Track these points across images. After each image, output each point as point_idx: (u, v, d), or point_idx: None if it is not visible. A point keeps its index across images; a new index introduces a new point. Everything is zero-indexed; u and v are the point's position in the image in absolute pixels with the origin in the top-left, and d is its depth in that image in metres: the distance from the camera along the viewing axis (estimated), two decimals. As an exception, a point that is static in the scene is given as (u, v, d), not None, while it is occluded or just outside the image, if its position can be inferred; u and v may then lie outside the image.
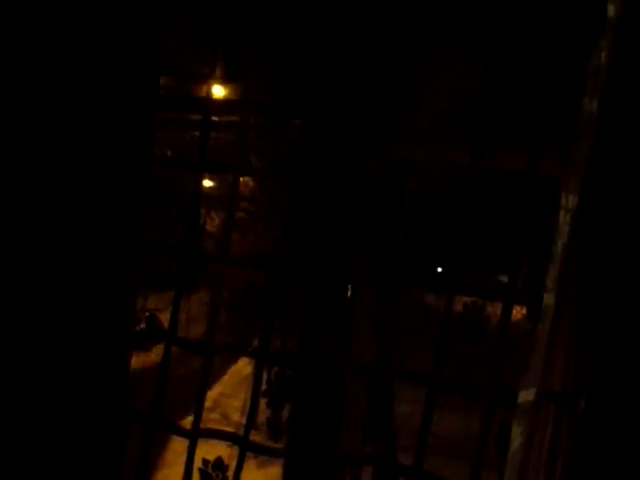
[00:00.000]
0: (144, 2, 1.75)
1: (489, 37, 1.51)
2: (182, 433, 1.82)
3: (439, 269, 1.65)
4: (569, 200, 1.42)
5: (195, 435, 1.78)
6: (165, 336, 1.86)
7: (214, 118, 1.82)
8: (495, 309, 1.60)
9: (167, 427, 1.85)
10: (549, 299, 1.43)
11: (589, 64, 1.40)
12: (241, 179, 1.88)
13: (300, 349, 1.66)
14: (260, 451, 1.75)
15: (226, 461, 1.80)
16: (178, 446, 2.05)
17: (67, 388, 1.73)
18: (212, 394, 5.82)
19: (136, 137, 1.79)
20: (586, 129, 1.42)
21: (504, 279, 1.54)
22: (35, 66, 1.70)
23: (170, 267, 1.93)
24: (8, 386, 1.71)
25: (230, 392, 5.61)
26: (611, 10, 1.39)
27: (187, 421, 1.86)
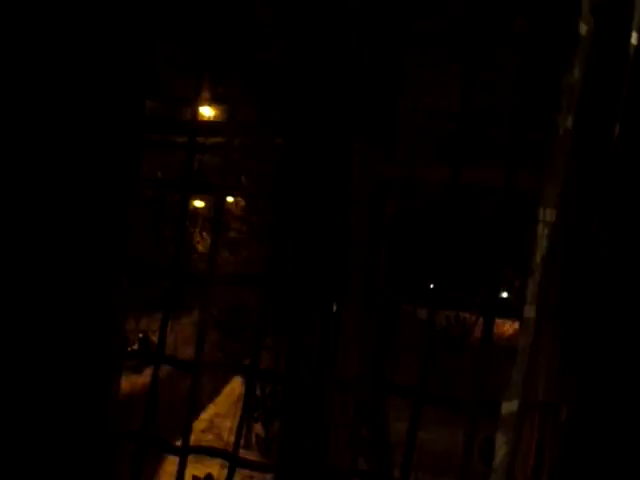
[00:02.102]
0: (130, 26, 1.79)
1: (466, 56, 1.55)
2: (172, 450, 1.83)
3: (431, 285, 1.68)
4: (547, 214, 1.45)
5: (185, 452, 1.79)
6: (154, 356, 1.88)
7: (200, 139, 1.84)
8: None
9: (157, 445, 1.86)
10: (530, 311, 1.45)
11: (563, 81, 1.43)
12: (233, 199, 1.91)
13: (287, 365, 1.68)
14: (250, 466, 1.77)
15: (216, 477, 1.80)
16: (170, 467, 2.05)
17: (55, 408, 1.74)
18: (207, 415, 5.81)
19: (124, 159, 1.82)
20: (562, 144, 1.45)
21: (503, 294, 1.57)
22: (22, 90, 1.73)
23: (164, 288, 1.95)
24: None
25: (224, 413, 5.60)
26: (583, 28, 1.43)
27: (181, 442, 1.86)
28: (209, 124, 1.91)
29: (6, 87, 1.72)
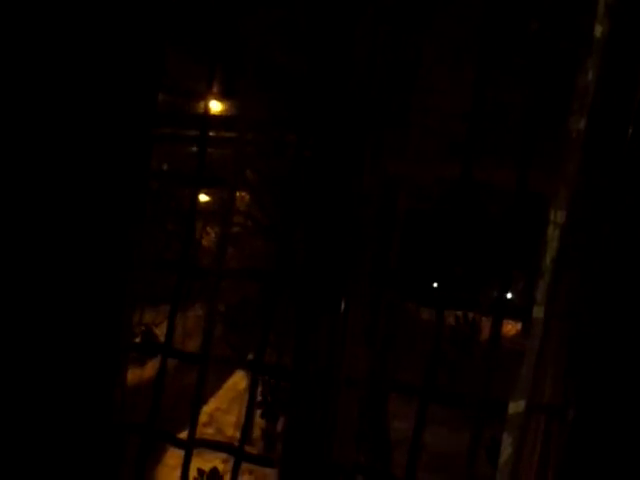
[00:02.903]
0: (142, 20, 1.79)
1: (479, 56, 1.55)
2: (177, 443, 1.83)
3: (435, 284, 1.67)
4: (558, 215, 1.45)
5: (190, 445, 1.79)
6: (161, 348, 1.88)
7: (211, 134, 1.84)
8: (489, 323, 1.62)
9: (162, 438, 1.86)
10: (538, 312, 1.45)
11: (577, 83, 1.43)
12: (237, 194, 1.91)
13: (294, 361, 1.68)
14: (255, 461, 1.77)
15: (221, 472, 1.81)
16: (172, 461, 2.06)
17: (61, 400, 1.75)
18: (208, 409, 5.82)
19: (134, 152, 1.82)
20: (574, 146, 1.45)
21: (507, 294, 1.57)
22: (35, 82, 1.74)
23: (167, 281, 1.95)
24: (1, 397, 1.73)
25: (226, 407, 5.61)
26: (598, 30, 1.43)
27: (183, 436, 1.86)
28: (220, 119, 1.91)
29: (19, 80, 1.72)
